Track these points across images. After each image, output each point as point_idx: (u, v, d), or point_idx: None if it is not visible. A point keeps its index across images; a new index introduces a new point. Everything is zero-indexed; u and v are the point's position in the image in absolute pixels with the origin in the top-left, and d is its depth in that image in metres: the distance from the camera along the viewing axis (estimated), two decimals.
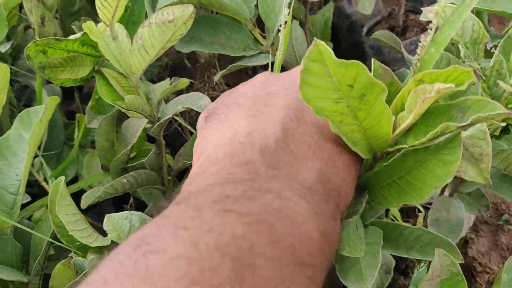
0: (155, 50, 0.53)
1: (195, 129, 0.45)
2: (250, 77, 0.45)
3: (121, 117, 0.58)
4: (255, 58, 0.68)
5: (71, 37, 0.51)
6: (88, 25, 0.52)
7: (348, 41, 0.95)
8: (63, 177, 0.43)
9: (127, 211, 0.43)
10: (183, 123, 0.68)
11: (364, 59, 1.02)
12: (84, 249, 0.46)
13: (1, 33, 0.47)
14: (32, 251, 0.47)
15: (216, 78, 0.67)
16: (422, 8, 0.54)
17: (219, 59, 0.89)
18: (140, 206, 0.68)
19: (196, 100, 0.52)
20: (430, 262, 0.50)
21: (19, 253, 0.46)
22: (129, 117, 0.57)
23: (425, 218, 0.63)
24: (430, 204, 0.62)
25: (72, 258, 0.45)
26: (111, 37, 0.52)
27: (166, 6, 0.54)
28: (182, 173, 0.61)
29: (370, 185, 0.42)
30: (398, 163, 0.39)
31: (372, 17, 0.98)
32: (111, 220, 0.42)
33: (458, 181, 0.55)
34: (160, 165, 0.59)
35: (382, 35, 0.75)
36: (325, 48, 0.32)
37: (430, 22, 0.97)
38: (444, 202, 0.54)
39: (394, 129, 0.38)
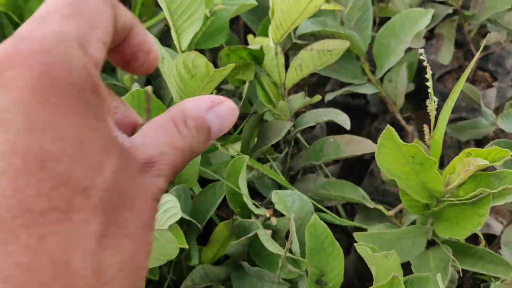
0: (308, 70, 0.68)
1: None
2: None
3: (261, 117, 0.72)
4: (362, 87, 0.83)
5: (249, 46, 0.66)
6: (260, 40, 0.67)
7: (416, 83, 1.11)
8: (246, 156, 0.57)
9: (291, 191, 0.58)
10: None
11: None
12: (243, 215, 0.60)
13: (220, 40, 0.62)
14: (196, 210, 0.61)
15: (330, 97, 0.82)
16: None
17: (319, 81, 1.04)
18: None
19: (336, 115, 0.67)
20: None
21: (189, 209, 0.60)
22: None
23: (485, 245, 0.78)
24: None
25: (235, 220, 0.59)
26: (274, 53, 0.66)
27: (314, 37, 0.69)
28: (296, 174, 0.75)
29: (435, 221, 0.57)
30: (451, 207, 0.56)
31: (442, 67, 1.14)
32: (278, 195, 0.57)
33: None
34: (284, 163, 0.74)
35: (467, 88, 0.91)
36: (394, 131, 0.51)
37: (496, 79, 1.14)
38: None
39: (448, 184, 0.55)
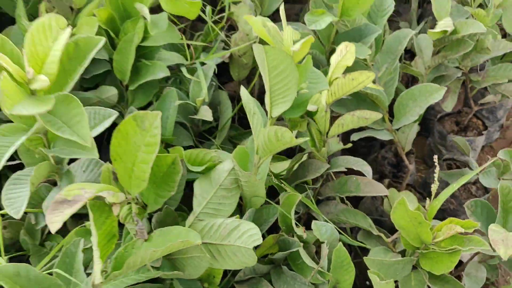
0: (347, 128, 0.92)
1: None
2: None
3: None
4: (380, 132, 1.08)
5: (308, 108, 0.89)
6: (316, 97, 0.90)
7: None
8: (299, 195, 0.82)
9: (325, 223, 0.83)
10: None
11: (428, 136, 1.45)
12: (286, 231, 0.86)
13: (299, 113, 0.84)
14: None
15: (355, 138, 1.07)
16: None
17: None
18: None
19: (362, 165, 0.92)
20: None
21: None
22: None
23: (452, 271, 1.05)
24: None
25: (281, 235, 0.85)
26: (325, 110, 0.90)
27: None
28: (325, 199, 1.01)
29: (421, 257, 0.84)
30: (434, 252, 0.85)
31: (443, 110, 1.38)
32: (316, 225, 0.83)
33: (486, 257, 0.98)
34: (315, 189, 0.99)
35: (459, 140, 1.17)
36: (406, 201, 0.76)
37: (486, 128, 1.43)
38: (475, 266, 0.98)
39: (435, 238, 0.84)
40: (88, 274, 0.77)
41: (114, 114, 0.84)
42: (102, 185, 0.64)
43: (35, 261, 0.97)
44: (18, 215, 0.79)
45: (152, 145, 0.64)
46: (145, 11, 0.97)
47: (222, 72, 1.30)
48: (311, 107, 0.91)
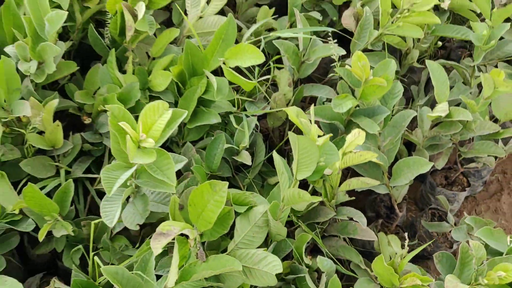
0: (353, 187, 1.26)
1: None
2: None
3: None
4: (379, 187, 1.42)
5: (325, 171, 1.23)
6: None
7: None
8: (309, 236, 1.17)
9: (327, 258, 1.18)
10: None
11: (422, 181, 1.78)
12: (297, 259, 1.21)
13: (317, 177, 1.19)
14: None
15: (359, 190, 1.40)
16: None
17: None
18: None
19: (359, 217, 1.26)
20: None
21: None
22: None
23: None
24: None
25: (293, 263, 1.20)
26: (337, 173, 1.24)
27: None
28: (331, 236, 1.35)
29: None
30: None
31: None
32: (320, 259, 1.17)
33: None
34: (322, 228, 1.33)
35: (441, 198, 1.51)
36: (383, 259, 1.11)
37: (470, 185, 1.83)
38: None
39: (401, 284, 1.19)
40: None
41: (184, 160, 1.19)
42: (183, 223, 0.99)
43: (107, 256, 1.33)
44: (111, 224, 1.15)
45: (220, 202, 0.99)
46: (213, 79, 1.30)
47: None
48: (327, 171, 1.24)
